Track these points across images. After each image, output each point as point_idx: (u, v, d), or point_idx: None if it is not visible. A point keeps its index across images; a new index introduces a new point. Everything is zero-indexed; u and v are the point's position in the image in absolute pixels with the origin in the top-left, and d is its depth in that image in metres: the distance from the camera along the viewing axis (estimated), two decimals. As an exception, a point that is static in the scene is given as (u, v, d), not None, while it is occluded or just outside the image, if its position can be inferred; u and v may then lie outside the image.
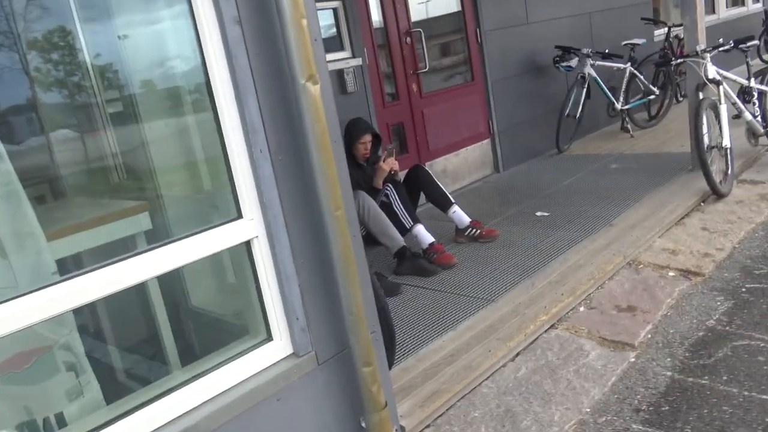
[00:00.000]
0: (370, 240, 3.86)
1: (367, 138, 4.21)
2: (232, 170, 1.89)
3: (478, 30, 5.60)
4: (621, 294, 3.23)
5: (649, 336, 2.83)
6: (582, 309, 3.12)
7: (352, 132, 4.23)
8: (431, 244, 3.85)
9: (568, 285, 3.25)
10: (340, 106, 4.60)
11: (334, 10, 4.53)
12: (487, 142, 5.83)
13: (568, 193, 4.91)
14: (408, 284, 3.63)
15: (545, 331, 2.94)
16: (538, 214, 4.45)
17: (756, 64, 6.31)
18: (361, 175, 4.29)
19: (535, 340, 2.88)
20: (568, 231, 4.02)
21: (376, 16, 4.88)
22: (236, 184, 1.91)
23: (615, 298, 3.20)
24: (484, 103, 5.76)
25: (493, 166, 5.92)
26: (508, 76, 5.91)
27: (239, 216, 1.92)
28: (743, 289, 3.13)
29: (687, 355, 2.66)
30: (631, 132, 6.50)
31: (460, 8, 5.50)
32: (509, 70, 5.92)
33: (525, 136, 6.10)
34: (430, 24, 5.41)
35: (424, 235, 3.89)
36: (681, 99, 7.35)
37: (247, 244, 1.95)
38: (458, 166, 5.54)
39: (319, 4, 4.35)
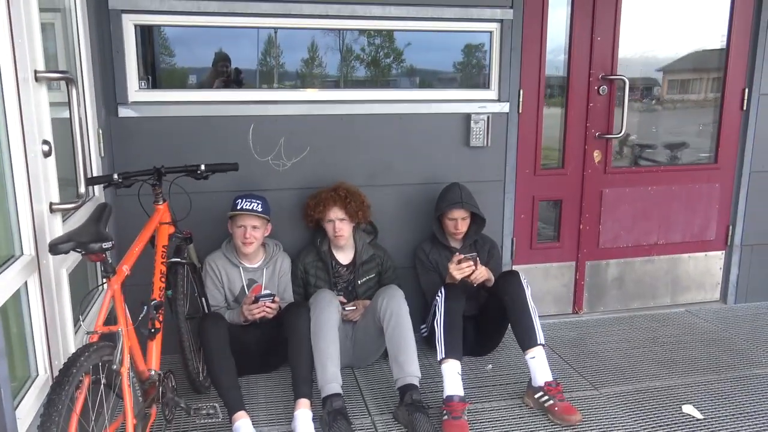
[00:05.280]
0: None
1: (458, 214, 3.07)
2: None
3: (747, 90, 3.61)
4: None
5: None
6: None
7: (440, 202, 3.14)
8: (449, 399, 2.56)
9: None
10: (458, 163, 3.39)
11: (490, 34, 3.32)
12: (717, 255, 3.86)
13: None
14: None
15: None
16: None
17: None
18: (442, 259, 3.16)
19: None
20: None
21: (555, 47, 3.44)
22: None
23: None
24: (728, 201, 3.78)
25: (720, 292, 3.92)
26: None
27: None
28: None
29: None
30: None
31: (725, 45, 3.60)
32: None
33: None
34: (650, 66, 3.67)
35: (451, 382, 2.60)
36: None
37: None
38: (650, 276, 3.78)
39: (472, 25, 3.26)
